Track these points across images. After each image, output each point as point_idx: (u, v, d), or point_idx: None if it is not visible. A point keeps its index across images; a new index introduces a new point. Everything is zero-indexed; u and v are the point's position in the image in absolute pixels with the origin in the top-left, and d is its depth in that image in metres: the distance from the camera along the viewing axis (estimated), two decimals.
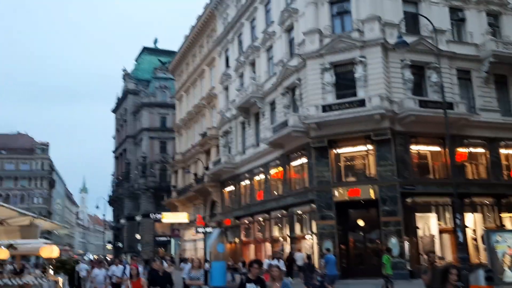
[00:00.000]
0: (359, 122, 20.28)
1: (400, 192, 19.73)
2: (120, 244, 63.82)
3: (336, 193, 20.67)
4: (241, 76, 30.60)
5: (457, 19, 23.62)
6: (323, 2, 22.55)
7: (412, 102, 20.27)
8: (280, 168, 24.82)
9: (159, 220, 45.59)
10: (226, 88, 33.05)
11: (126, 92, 65.12)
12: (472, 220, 21.39)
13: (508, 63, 23.09)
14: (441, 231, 20.87)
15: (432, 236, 20.54)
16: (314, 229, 21.49)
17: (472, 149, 22.19)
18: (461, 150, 21.47)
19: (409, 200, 20.22)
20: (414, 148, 21.01)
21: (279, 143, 24.10)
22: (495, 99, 23.06)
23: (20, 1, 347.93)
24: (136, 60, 71.12)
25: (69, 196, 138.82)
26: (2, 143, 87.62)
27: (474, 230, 21.24)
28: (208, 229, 33.82)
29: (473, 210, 21.67)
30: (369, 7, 21.55)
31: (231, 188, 31.55)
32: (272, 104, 26.28)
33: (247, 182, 29.10)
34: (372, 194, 20.13)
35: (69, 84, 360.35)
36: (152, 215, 51.08)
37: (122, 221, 63.74)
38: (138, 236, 56.57)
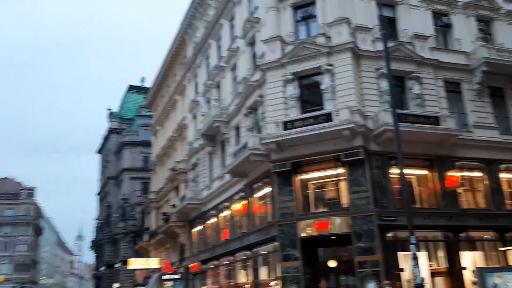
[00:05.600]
0: (326, 141, 16.84)
1: (378, 225, 16.01)
2: None
3: (301, 227, 16.95)
4: (208, 101, 27.54)
5: (442, 25, 20.59)
6: (285, 6, 19.66)
7: (389, 116, 16.83)
8: (244, 201, 21.19)
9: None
10: (195, 117, 29.93)
11: (110, 132, 62.40)
12: (470, 260, 17.49)
13: (503, 73, 19.88)
14: (434, 273, 16.99)
15: (421, 280, 16.56)
16: (279, 272, 17.66)
17: (466, 173, 18.57)
18: (452, 174, 17.83)
19: (390, 234, 16.45)
20: (394, 171, 17.39)
21: (241, 171, 20.62)
22: (491, 115, 19.65)
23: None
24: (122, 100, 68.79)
25: (61, 244, 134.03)
26: None
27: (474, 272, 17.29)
28: (176, 276, 29.93)
29: (471, 247, 17.81)
30: (338, 9, 18.53)
31: (199, 228, 27.79)
32: (238, 129, 22.99)
33: (214, 220, 25.40)
34: (344, 228, 16.40)
35: (63, 133, 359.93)
36: None
37: (102, 268, 59.40)
38: (116, 285, 52.05)
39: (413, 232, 12.69)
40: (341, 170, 17.18)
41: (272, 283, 18.65)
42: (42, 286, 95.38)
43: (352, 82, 17.33)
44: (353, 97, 17.13)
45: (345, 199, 16.95)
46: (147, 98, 46.20)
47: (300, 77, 18.43)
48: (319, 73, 17.95)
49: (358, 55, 17.98)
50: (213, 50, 27.56)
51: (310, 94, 18.38)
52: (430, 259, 17.13)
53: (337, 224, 16.51)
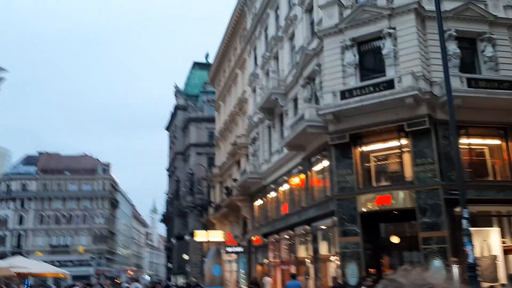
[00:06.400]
0: (388, 110, 15.77)
1: (444, 199, 14.87)
2: (170, 265, 61.60)
3: (361, 202, 16.17)
4: (267, 73, 26.92)
5: None
6: None
7: (458, 81, 15.45)
8: (302, 175, 20.66)
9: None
10: (254, 90, 29.50)
11: (176, 108, 63.79)
12: None
13: None
14: (507, 251, 15.65)
15: (494, 258, 15.37)
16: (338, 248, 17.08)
17: None
18: None
19: (458, 209, 15.15)
20: (463, 141, 16.05)
21: (298, 144, 20.01)
22: None
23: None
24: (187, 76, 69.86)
25: (136, 216, 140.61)
26: (66, 164, 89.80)
27: None
28: (239, 249, 30.15)
29: None
30: None
31: (260, 202, 27.66)
32: (296, 101, 22.31)
33: (273, 194, 25.12)
34: (407, 202, 15.43)
35: (136, 111, 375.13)
36: None
37: (173, 240, 61.56)
38: (186, 257, 53.82)
39: (465, 206, 11.60)
40: (404, 141, 16.10)
41: (332, 258, 18.13)
42: (118, 256, 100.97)
43: (417, 45, 16.02)
44: (417, 62, 15.86)
45: (408, 172, 15.90)
46: (209, 74, 46.38)
47: (359, 43, 17.35)
48: (380, 38, 16.77)
49: (423, 16, 16.57)
50: (271, 20, 26.82)
51: (370, 60, 17.28)
52: (503, 236, 15.79)
53: (400, 199, 15.56)
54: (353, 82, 16.96)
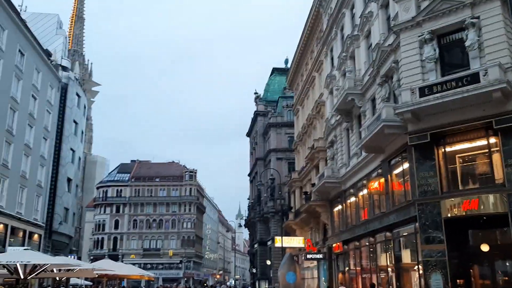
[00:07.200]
0: (473, 106, 14.44)
1: None
2: (254, 270, 61.96)
3: (446, 206, 14.90)
4: (343, 74, 26.12)
5: None
6: None
7: None
8: (382, 179, 19.61)
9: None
10: (331, 92, 28.75)
11: (256, 115, 64.30)
12: None
13: None
14: None
15: None
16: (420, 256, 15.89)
17: None
18: None
19: None
20: None
21: (376, 146, 19.03)
22: None
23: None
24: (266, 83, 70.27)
25: (222, 221, 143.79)
26: (157, 171, 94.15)
27: None
28: (319, 256, 29.47)
29: None
30: None
31: (339, 207, 26.79)
32: (374, 101, 21.34)
33: (353, 198, 24.18)
34: (498, 207, 13.96)
35: (222, 119, 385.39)
36: None
37: (256, 245, 61.95)
38: (268, 262, 53.81)
39: None
40: (493, 140, 14.63)
41: (416, 267, 16.92)
42: (206, 260, 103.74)
43: (503, 35, 14.50)
44: (505, 52, 14.36)
45: (499, 174, 14.37)
46: (288, 78, 46.20)
47: (438, 36, 16.09)
48: (461, 29, 15.43)
49: (509, 3, 15.01)
50: (347, 19, 26.00)
51: (451, 54, 15.93)
52: None
53: (490, 203, 14.11)
54: (433, 77, 15.76)
